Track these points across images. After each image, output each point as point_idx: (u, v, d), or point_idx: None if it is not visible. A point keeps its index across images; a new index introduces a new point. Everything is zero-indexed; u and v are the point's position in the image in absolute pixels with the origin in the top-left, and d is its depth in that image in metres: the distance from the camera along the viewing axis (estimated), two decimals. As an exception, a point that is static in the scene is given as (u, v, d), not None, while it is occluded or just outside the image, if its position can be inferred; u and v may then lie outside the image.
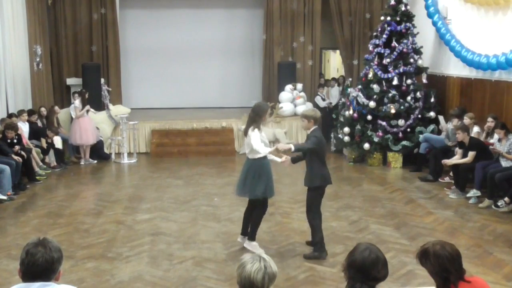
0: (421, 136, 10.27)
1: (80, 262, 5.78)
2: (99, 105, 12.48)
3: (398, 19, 10.78)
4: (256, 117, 5.86)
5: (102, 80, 13.13)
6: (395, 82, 10.62)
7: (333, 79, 14.97)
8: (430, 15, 11.22)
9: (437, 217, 7.40)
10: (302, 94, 13.35)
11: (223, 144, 12.26)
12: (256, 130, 5.81)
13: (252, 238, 6.10)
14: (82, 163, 11.16)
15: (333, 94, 13.92)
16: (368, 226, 7.01)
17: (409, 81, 10.67)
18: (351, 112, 10.92)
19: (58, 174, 10.21)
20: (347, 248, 5.59)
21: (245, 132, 5.93)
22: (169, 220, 7.28)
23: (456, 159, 8.60)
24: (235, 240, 6.29)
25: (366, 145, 10.61)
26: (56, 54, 13.73)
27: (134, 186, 9.35)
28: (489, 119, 8.56)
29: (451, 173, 8.98)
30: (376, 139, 10.57)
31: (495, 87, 9.26)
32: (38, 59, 12.07)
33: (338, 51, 15.31)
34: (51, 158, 10.52)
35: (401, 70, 10.64)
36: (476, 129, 8.98)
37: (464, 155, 8.46)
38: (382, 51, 10.81)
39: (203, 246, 6.27)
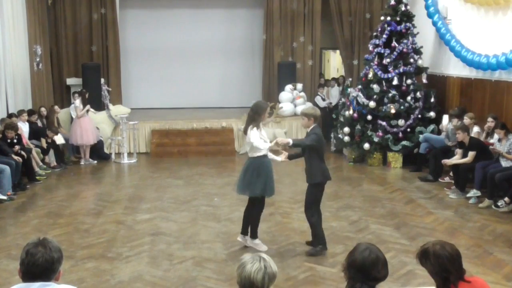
0: (421, 136, 10.27)
1: (80, 262, 5.78)
2: (99, 105, 12.48)
3: (398, 19, 10.77)
4: (255, 116, 5.87)
5: (102, 80, 13.13)
6: (395, 82, 10.62)
7: (333, 79, 14.97)
8: (430, 15, 11.22)
9: (437, 217, 7.40)
10: (302, 94, 13.35)
11: (223, 144, 12.25)
12: (255, 128, 5.84)
13: (254, 236, 6.13)
14: (82, 163, 11.16)
15: (333, 94, 13.92)
16: (368, 226, 7.01)
17: (409, 81, 10.67)
18: (351, 112, 10.92)
19: (58, 174, 10.21)
20: (347, 248, 5.58)
21: (245, 131, 5.96)
22: (169, 220, 7.28)
23: (456, 159, 8.60)
24: (235, 240, 6.29)
25: (366, 145, 10.61)
26: (56, 54, 13.73)
27: (134, 186, 9.35)
28: (489, 119, 8.56)
29: (451, 173, 8.98)
30: (376, 139, 10.57)
31: (495, 87, 9.26)
32: (38, 59, 12.08)
33: (338, 51, 15.31)
34: (51, 158, 10.53)
35: (401, 70, 10.64)
36: (476, 129, 8.98)
37: (464, 155, 8.46)
38: (382, 51, 10.81)
39: (203, 246, 6.27)
